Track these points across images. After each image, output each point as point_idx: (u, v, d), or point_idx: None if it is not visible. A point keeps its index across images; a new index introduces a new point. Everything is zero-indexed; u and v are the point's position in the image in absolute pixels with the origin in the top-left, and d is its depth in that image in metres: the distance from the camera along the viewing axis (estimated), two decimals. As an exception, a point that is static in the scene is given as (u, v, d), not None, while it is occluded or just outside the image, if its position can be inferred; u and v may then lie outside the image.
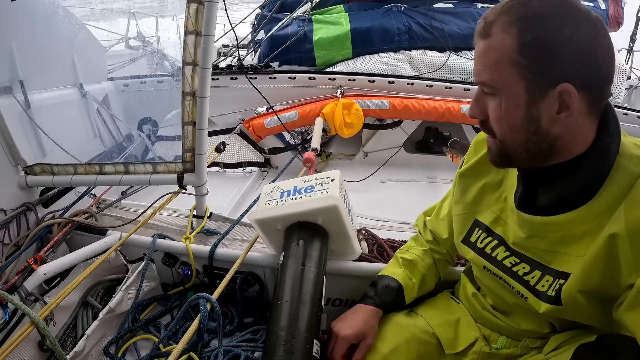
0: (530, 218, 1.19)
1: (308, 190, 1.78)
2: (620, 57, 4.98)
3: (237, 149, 4.13)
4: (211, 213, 2.24)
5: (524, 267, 1.23)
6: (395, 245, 2.02)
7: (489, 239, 1.35)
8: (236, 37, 3.98)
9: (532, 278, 1.21)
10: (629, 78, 5.00)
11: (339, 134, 3.60)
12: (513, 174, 1.29)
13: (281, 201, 1.78)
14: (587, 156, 1.08)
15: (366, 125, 3.92)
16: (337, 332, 1.45)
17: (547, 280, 1.17)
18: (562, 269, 1.13)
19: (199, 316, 1.39)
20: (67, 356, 1.45)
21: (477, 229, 1.40)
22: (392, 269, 1.64)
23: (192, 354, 1.61)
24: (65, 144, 2.46)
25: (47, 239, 2.00)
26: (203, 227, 2.15)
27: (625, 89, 5.63)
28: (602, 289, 1.07)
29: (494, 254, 1.32)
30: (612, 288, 1.05)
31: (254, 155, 4.18)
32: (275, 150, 4.12)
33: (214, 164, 3.96)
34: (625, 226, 1.00)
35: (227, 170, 4.15)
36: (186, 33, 1.82)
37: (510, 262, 1.27)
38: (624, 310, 1.02)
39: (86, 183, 2.24)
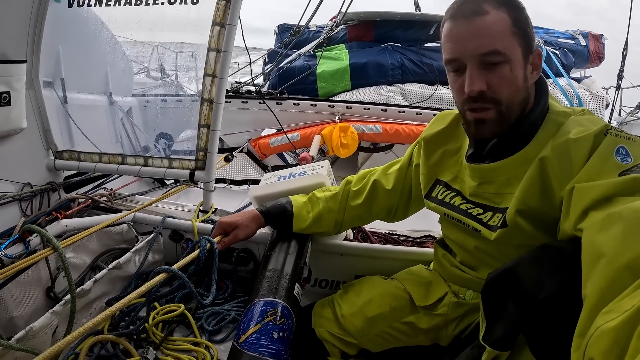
0: (479, 167, 1.33)
1: (301, 174, 1.93)
2: (599, 86, 5.11)
3: (243, 167, 4.28)
4: (216, 208, 2.33)
5: (478, 210, 1.36)
6: (379, 234, 2.12)
7: (448, 192, 1.48)
8: (250, 63, 4.17)
9: (485, 217, 1.33)
10: (607, 106, 5.14)
11: (335, 153, 3.76)
12: (467, 142, 1.44)
13: (278, 182, 1.92)
14: (530, 112, 1.26)
15: (361, 149, 4.09)
16: (219, 221, 1.69)
17: (497, 217, 1.29)
18: (508, 205, 1.25)
19: (198, 250, 1.49)
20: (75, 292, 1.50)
21: (438, 185, 1.54)
22: (298, 198, 1.76)
23: (185, 311, 1.69)
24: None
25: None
26: (208, 217, 2.24)
27: (620, 123, 5.79)
28: (542, 211, 1.18)
29: (452, 202, 1.45)
30: (551, 210, 1.15)
31: (258, 174, 4.33)
32: (277, 168, 4.25)
33: (220, 180, 4.10)
34: (552, 150, 1.15)
35: (232, 186, 4.29)
36: (209, 50, 2.01)
37: (466, 207, 1.40)
38: (561, 223, 1.09)
39: (108, 171, 2.34)
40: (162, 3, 2.13)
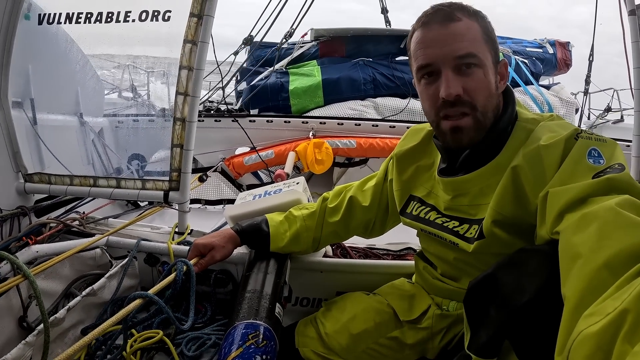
0: (452, 180, 1.34)
1: (277, 192, 1.91)
2: (568, 91, 5.25)
3: (218, 187, 4.24)
4: (192, 230, 2.30)
5: (454, 223, 1.35)
6: (358, 249, 2.11)
7: (423, 207, 1.48)
8: (222, 79, 4.16)
9: (462, 229, 1.33)
10: (577, 111, 5.26)
11: (310, 170, 3.75)
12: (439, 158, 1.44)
13: (253, 201, 1.89)
14: (498, 121, 1.26)
15: (336, 164, 4.09)
16: (194, 242, 1.66)
17: (474, 228, 1.29)
18: (484, 216, 1.25)
19: (174, 274, 1.45)
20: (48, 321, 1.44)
21: (412, 201, 1.53)
22: (275, 216, 1.73)
23: (164, 337, 1.63)
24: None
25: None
26: (184, 239, 2.20)
27: (590, 127, 5.91)
28: (517, 219, 1.18)
29: (427, 217, 1.45)
30: (527, 218, 1.14)
31: (233, 193, 4.29)
32: (252, 187, 4.21)
33: (195, 201, 4.05)
34: (524, 158, 1.15)
35: (208, 206, 4.24)
36: (180, 67, 2.00)
37: (442, 221, 1.39)
38: (538, 229, 1.09)
39: (80, 194, 2.30)
40: (133, 20, 2.11)
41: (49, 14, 2.20)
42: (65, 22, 2.18)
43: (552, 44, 5.94)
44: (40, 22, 2.20)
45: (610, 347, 0.62)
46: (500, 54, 1.31)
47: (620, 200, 0.87)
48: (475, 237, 1.27)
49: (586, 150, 1.06)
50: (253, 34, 4.81)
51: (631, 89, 2.50)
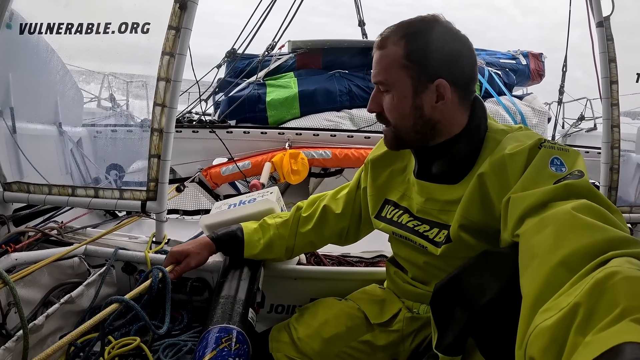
0: (426, 184, 1.41)
1: (251, 201, 1.96)
2: (540, 101, 5.36)
3: (195, 197, 4.23)
4: (169, 239, 2.30)
5: (424, 227, 1.42)
6: (332, 257, 2.15)
7: (396, 210, 1.54)
8: (199, 92, 4.19)
9: (431, 233, 1.39)
10: (549, 120, 5.38)
11: (287, 180, 3.79)
12: (413, 161, 1.51)
13: (228, 210, 1.94)
14: (462, 134, 1.34)
15: (312, 174, 4.13)
16: (170, 250, 1.72)
17: (443, 233, 1.35)
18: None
19: (150, 280, 1.48)
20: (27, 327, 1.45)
21: (387, 205, 1.59)
22: (249, 224, 1.79)
23: (141, 344, 1.65)
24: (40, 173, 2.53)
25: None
26: (161, 248, 2.20)
27: (564, 135, 6.02)
28: (484, 224, 1.24)
29: (399, 220, 1.51)
30: (493, 223, 1.19)
31: (210, 204, 4.29)
32: (229, 197, 4.22)
33: (173, 211, 4.05)
34: (489, 166, 1.22)
35: (185, 217, 4.24)
36: (158, 79, 2.04)
37: (413, 224, 1.45)
38: (502, 233, 1.13)
39: (59, 203, 2.30)
40: (113, 32, 2.14)
41: (31, 24, 2.22)
42: (46, 32, 2.21)
43: (525, 55, 6.08)
44: (21, 32, 2.22)
45: (564, 339, 0.65)
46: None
47: (577, 204, 0.91)
48: (443, 241, 1.33)
49: (549, 158, 1.12)
50: (235, 47, 4.89)
51: (600, 98, 2.61)
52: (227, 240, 1.74)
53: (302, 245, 1.80)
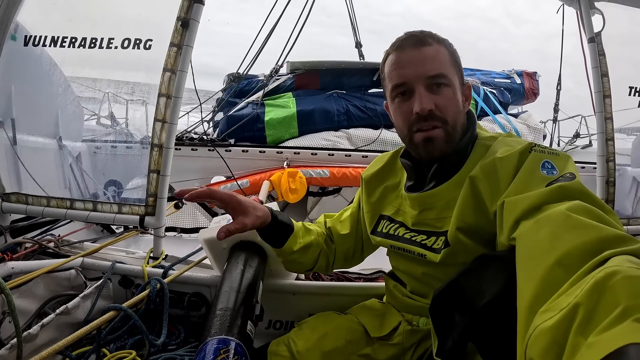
0: (418, 195, 1.41)
1: (251, 215, 1.93)
2: (535, 119, 5.41)
3: (193, 215, 4.23)
4: (167, 255, 2.29)
5: (421, 237, 1.41)
6: (330, 274, 2.14)
7: (392, 224, 1.54)
8: (201, 110, 4.21)
9: (429, 242, 1.38)
10: (544, 137, 5.41)
11: (284, 198, 3.79)
12: (405, 176, 1.53)
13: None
14: (462, 138, 1.37)
15: (310, 193, 4.13)
16: (231, 192, 1.45)
17: (441, 240, 1.35)
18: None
19: (148, 290, 1.46)
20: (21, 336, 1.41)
21: (382, 220, 1.59)
22: (296, 223, 1.68)
23: (137, 357, 1.62)
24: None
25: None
26: (158, 263, 2.18)
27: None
28: (479, 227, 1.24)
29: (396, 233, 1.50)
30: (488, 226, 1.20)
31: (208, 222, 4.28)
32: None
33: (171, 229, 4.03)
34: (481, 169, 1.23)
35: (183, 235, 4.22)
36: (159, 95, 2.05)
37: (410, 235, 1.45)
38: (498, 237, 1.14)
39: (57, 215, 2.29)
40: (116, 47, 2.15)
41: (35, 36, 2.25)
42: (50, 45, 2.23)
43: (520, 74, 6.19)
44: (25, 44, 2.24)
45: (565, 339, 0.64)
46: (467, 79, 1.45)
47: (571, 205, 0.91)
48: (442, 246, 1.32)
49: (540, 162, 1.13)
50: (240, 70, 4.97)
51: (594, 112, 2.64)
52: (281, 223, 1.57)
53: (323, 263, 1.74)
